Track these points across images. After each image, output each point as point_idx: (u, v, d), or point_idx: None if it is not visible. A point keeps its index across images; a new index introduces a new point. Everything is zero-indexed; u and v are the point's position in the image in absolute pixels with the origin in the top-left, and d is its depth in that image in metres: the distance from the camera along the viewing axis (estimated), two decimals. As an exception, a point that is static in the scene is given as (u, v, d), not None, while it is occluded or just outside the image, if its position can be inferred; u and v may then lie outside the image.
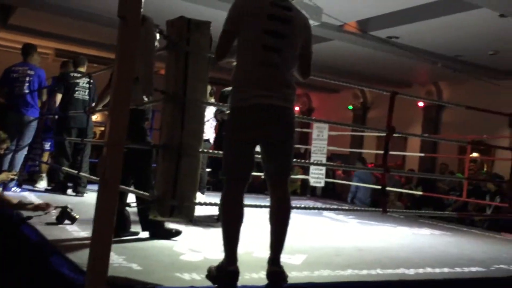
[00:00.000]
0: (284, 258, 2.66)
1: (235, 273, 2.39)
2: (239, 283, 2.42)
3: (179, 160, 2.71)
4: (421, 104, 11.81)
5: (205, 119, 7.12)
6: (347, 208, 6.29)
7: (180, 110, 2.74)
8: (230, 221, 2.48)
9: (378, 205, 8.29)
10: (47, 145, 6.26)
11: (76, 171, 4.65)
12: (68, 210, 3.78)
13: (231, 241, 2.44)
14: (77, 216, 3.78)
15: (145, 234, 3.50)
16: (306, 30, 2.66)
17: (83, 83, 5.59)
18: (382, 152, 4.90)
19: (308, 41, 2.67)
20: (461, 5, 6.54)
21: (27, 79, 5.47)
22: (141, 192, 2.85)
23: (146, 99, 2.65)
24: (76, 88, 5.61)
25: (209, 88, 7.29)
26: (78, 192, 5.39)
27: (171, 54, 2.80)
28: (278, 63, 2.51)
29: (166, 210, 2.72)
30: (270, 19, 2.52)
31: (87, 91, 5.42)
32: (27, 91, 5.44)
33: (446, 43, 8.42)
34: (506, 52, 8.61)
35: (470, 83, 10.46)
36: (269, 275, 2.48)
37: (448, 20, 7.08)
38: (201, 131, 2.87)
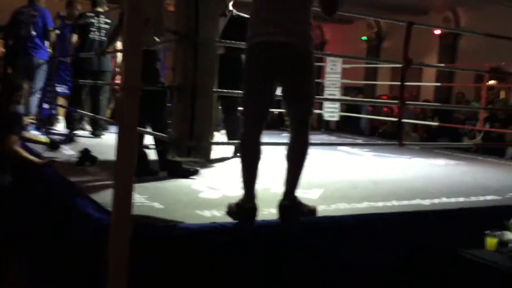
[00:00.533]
0: (301, 193, 2.73)
1: (254, 210, 2.47)
2: (258, 218, 2.51)
3: (194, 100, 2.72)
4: (437, 32, 11.44)
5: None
6: (362, 142, 6.33)
7: (193, 50, 2.71)
8: (249, 159, 2.53)
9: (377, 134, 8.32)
10: (61, 88, 6.27)
11: (92, 114, 4.69)
12: (87, 152, 3.87)
13: (249, 179, 2.51)
14: (97, 157, 3.87)
15: (164, 174, 3.59)
16: None
17: (100, 23, 5.38)
18: (397, 83, 4.86)
19: None
20: None
21: (33, 20, 5.39)
22: (159, 133, 2.88)
23: (157, 39, 2.62)
24: (91, 29, 5.38)
25: None
26: (96, 134, 5.46)
27: (180, -6, 2.73)
28: None
29: (184, 150, 2.77)
30: None
31: (104, 31, 5.31)
32: (34, 33, 5.38)
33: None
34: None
35: (490, 9, 10.03)
36: (279, 208, 2.55)
37: None
38: (214, 70, 2.85)
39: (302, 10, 2.50)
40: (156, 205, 2.74)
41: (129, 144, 2.16)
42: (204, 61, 2.75)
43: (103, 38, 5.35)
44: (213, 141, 2.87)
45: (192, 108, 2.72)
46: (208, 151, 2.81)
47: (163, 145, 3.12)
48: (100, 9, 5.52)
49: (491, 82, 10.29)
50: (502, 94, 10.58)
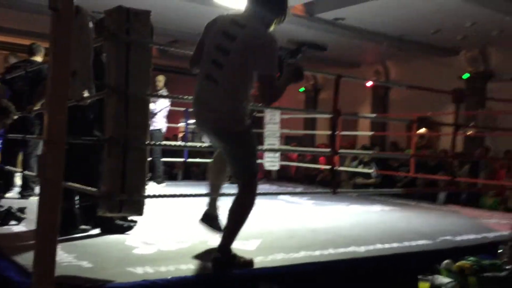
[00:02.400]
0: (239, 245, 2.70)
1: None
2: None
3: (125, 153, 2.67)
4: (369, 84, 12.07)
5: (158, 108, 7.09)
6: (300, 191, 6.41)
7: (124, 103, 2.69)
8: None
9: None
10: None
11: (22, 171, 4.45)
12: (12, 210, 3.66)
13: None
14: (23, 216, 3.66)
15: (97, 231, 3.44)
16: (256, 49, 2.57)
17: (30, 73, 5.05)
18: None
19: (260, 61, 2.57)
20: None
21: None
22: (88, 188, 2.78)
23: (86, 93, 2.58)
24: (18, 81, 5.11)
25: (163, 78, 7.22)
26: (23, 195, 5.12)
27: (111, 46, 2.72)
28: (217, 78, 2.60)
29: (115, 205, 2.67)
30: (224, 35, 2.63)
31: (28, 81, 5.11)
32: None
33: (391, 23, 8.59)
34: (447, 31, 8.90)
35: (415, 61, 10.77)
36: (211, 261, 2.63)
37: (391, 0, 7.23)
38: (146, 123, 2.82)
39: (232, 90, 2.61)
40: (85, 264, 2.61)
41: (52, 200, 2.06)
42: (135, 114, 2.73)
43: (25, 88, 5.10)
44: (146, 194, 2.79)
45: (124, 161, 2.66)
46: (141, 205, 2.73)
47: (94, 200, 3.00)
48: (37, 58, 5.28)
49: (422, 130, 10.88)
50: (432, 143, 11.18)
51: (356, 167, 8.48)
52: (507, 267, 2.98)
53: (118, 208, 2.68)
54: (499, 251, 3.35)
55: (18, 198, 5.05)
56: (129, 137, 2.68)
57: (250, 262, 2.64)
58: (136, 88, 2.71)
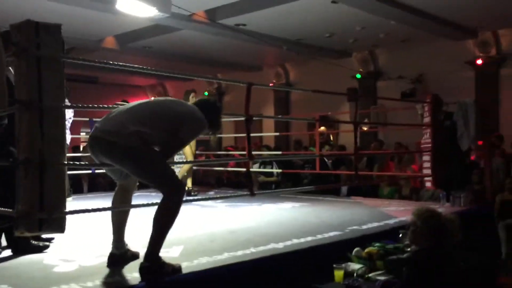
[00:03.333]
0: (163, 252, 2.75)
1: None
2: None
3: (43, 170, 2.60)
4: (271, 84, 12.54)
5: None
6: (215, 195, 6.51)
7: (38, 117, 2.62)
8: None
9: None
10: None
11: None
12: None
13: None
14: None
15: (9, 253, 3.28)
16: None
17: None
18: (240, 135, 5.25)
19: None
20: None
21: None
22: (4, 209, 2.67)
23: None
24: None
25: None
26: None
27: (21, 61, 2.64)
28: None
29: (35, 224, 2.60)
30: None
31: None
32: None
33: (289, 28, 9.04)
34: (339, 34, 9.56)
35: (312, 63, 11.40)
36: (139, 270, 2.62)
37: (289, 7, 7.61)
38: (63, 137, 2.77)
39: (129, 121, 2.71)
40: (5, 287, 2.50)
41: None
42: (51, 129, 2.67)
43: None
44: (66, 210, 2.74)
45: (41, 179, 2.60)
46: (62, 222, 2.67)
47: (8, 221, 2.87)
48: None
49: (322, 128, 11.53)
50: (332, 139, 11.90)
51: (259, 167, 8.77)
52: (408, 249, 3.35)
53: (38, 227, 2.61)
54: (399, 235, 3.75)
55: None
56: (46, 153, 2.62)
57: (179, 269, 2.71)
58: (51, 102, 2.66)
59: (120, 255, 2.92)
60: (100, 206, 3.10)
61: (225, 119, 12.51)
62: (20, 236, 2.79)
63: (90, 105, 3.05)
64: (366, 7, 7.48)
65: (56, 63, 2.75)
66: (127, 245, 2.99)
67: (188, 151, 6.52)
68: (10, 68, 2.96)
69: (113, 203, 2.97)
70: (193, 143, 6.36)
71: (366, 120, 10.50)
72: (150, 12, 6.41)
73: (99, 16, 7.93)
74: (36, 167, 2.56)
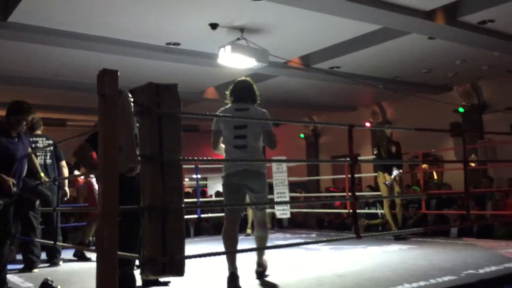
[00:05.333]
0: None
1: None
2: None
3: (164, 218, 2.82)
4: (368, 124, 12.37)
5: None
6: (319, 238, 6.50)
7: (160, 170, 2.87)
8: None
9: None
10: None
11: (50, 242, 4.56)
12: (50, 282, 3.77)
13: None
14: (58, 287, 3.77)
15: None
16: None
17: (43, 144, 5.37)
18: (338, 176, 5.27)
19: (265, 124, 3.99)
20: (393, 33, 7.06)
21: None
22: (133, 254, 2.93)
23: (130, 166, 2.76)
24: (37, 153, 5.27)
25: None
26: (54, 263, 5.26)
27: (144, 119, 2.94)
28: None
29: (158, 268, 2.81)
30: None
31: (49, 154, 5.37)
32: None
33: (384, 67, 8.98)
34: (437, 69, 9.28)
35: (410, 100, 11.10)
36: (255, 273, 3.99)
37: (383, 47, 7.60)
38: (181, 187, 2.99)
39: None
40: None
41: (109, 272, 2.21)
42: (170, 179, 2.91)
43: (48, 161, 5.38)
44: (185, 255, 2.93)
45: (163, 225, 2.82)
46: (182, 265, 2.86)
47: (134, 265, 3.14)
48: (39, 132, 5.52)
49: (424, 166, 11.08)
50: (436, 177, 11.37)
51: (363, 208, 8.61)
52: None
53: (161, 270, 2.81)
54: (523, 280, 3.48)
55: (49, 266, 5.18)
56: (167, 201, 2.85)
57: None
58: (170, 156, 2.91)
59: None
60: (207, 250, 3.28)
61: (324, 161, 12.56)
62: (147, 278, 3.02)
63: (203, 158, 3.27)
64: (465, 41, 7.24)
65: (174, 119, 3.01)
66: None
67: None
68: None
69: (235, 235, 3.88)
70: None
71: (473, 156, 9.96)
72: (249, 64, 6.76)
73: (202, 70, 8.50)
74: (159, 212, 2.79)
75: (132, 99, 2.64)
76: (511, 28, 7.04)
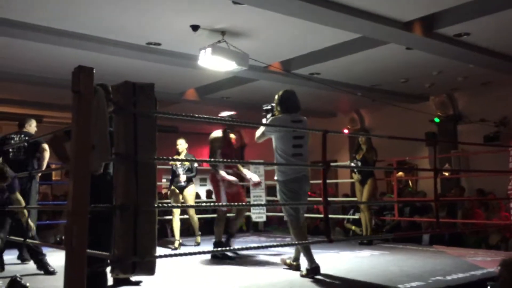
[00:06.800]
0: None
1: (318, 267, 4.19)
2: None
3: (136, 217, 2.82)
4: (346, 131, 12.52)
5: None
6: (292, 242, 6.52)
7: (133, 169, 2.87)
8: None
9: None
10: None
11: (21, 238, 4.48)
12: (18, 279, 3.72)
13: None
14: (27, 284, 3.73)
15: None
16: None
17: (18, 142, 5.30)
18: (317, 181, 5.35)
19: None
20: (372, 42, 7.19)
21: None
22: (103, 253, 2.92)
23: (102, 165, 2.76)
24: (10, 149, 5.28)
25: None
26: (25, 259, 5.17)
27: (119, 118, 2.93)
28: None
29: (128, 267, 2.80)
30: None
31: (23, 150, 5.29)
32: None
33: (363, 75, 9.11)
34: (414, 79, 9.47)
35: (388, 108, 11.28)
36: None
37: (362, 55, 7.72)
38: (154, 187, 3.00)
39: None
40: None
41: (78, 270, 2.21)
42: (144, 179, 2.91)
43: (21, 156, 5.29)
44: (156, 255, 2.93)
45: (135, 225, 2.82)
46: (153, 265, 2.86)
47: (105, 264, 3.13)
48: (29, 129, 5.51)
49: (399, 174, 11.25)
50: (411, 185, 11.56)
51: (353, 214, 8.58)
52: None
53: (131, 269, 2.81)
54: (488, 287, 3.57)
55: (20, 263, 5.11)
56: (139, 201, 2.85)
57: None
58: (144, 155, 2.91)
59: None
60: (181, 250, 3.29)
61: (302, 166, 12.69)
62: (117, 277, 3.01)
63: (180, 158, 3.28)
64: (441, 52, 7.41)
65: (149, 119, 3.01)
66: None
67: None
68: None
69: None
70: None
71: (447, 165, 10.15)
72: (229, 67, 6.79)
73: (182, 71, 8.50)
74: (130, 211, 2.79)
75: (108, 97, 2.65)
76: (485, 41, 7.23)
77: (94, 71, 2.42)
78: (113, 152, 2.92)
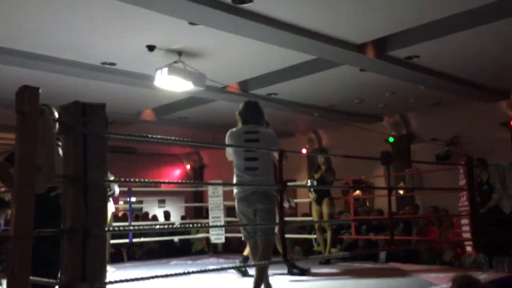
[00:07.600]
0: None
1: None
2: None
3: (85, 241, 2.72)
4: (304, 151, 12.65)
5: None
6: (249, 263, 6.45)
7: (83, 191, 2.78)
8: None
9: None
10: None
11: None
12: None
13: None
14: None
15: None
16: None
17: None
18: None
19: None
20: (327, 64, 7.34)
21: None
22: (50, 280, 2.78)
23: (47, 186, 2.65)
24: None
25: None
26: None
27: (68, 138, 2.85)
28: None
29: (77, 294, 2.68)
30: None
31: None
32: None
33: (319, 95, 9.28)
34: (369, 100, 9.72)
35: (345, 128, 11.52)
36: None
37: (318, 76, 7.86)
38: (105, 209, 2.91)
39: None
40: None
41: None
42: (94, 201, 2.82)
43: None
44: (107, 281, 2.83)
45: (84, 249, 2.72)
46: (102, 292, 2.75)
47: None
48: None
49: (357, 192, 11.44)
50: (368, 203, 11.75)
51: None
52: (449, 318, 3.23)
53: (80, 297, 2.69)
54: (440, 303, 3.64)
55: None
56: (89, 224, 2.75)
57: None
58: (94, 176, 2.83)
59: None
60: (135, 275, 3.18)
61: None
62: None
63: (132, 180, 3.21)
64: (393, 74, 7.65)
65: (100, 139, 2.94)
66: None
67: None
68: (59, 143, 3.19)
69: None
70: None
71: (401, 183, 10.40)
72: (186, 87, 6.76)
73: (139, 91, 8.39)
74: (79, 235, 2.68)
75: (55, 117, 2.56)
76: (435, 63, 7.52)
77: (40, 91, 2.34)
78: (61, 174, 2.83)
